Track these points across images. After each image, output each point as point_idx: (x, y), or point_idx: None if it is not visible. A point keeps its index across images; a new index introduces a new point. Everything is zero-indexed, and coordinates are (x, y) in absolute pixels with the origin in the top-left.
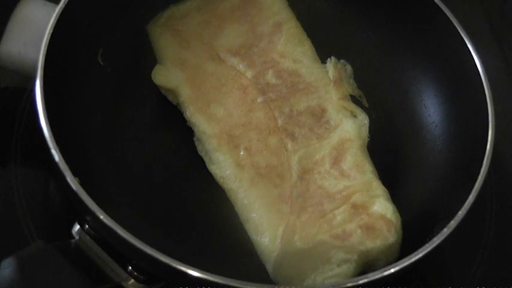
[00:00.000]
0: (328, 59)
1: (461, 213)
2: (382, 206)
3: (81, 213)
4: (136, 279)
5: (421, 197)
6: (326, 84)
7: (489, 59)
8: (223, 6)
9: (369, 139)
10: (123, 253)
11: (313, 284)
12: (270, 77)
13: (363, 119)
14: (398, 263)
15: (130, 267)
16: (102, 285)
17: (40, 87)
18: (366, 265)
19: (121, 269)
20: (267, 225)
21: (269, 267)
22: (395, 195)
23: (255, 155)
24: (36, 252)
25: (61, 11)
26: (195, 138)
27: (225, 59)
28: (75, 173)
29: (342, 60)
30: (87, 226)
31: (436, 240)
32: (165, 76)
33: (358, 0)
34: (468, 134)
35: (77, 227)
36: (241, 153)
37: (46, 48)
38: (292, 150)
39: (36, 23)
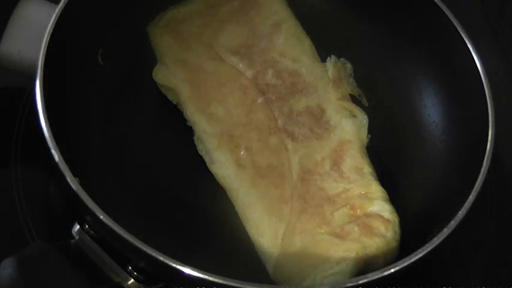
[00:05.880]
0: (328, 57)
1: (461, 213)
2: (380, 207)
3: (81, 213)
4: (136, 279)
5: (421, 197)
6: (325, 84)
7: (489, 59)
8: (223, 9)
9: (368, 139)
10: (123, 253)
11: (313, 284)
12: (270, 77)
13: (362, 118)
14: (398, 263)
15: (130, 267)
16: (102, 285)
17: (40, 87)
18: (365, 263)
19: (121, 269)
20: (267, 226)
21: (269, 268)
22: (395, 195)
23: (255, 155)
24: (36, 252)
25: (61, 11)
26: (195, 138)
27: (225, 59)
28: (75, 173)
29: (341, 59)
30: (87, 226)
31: (436, 240)
32: (166, 75)
33: None
34: (468, 134)
35: (77, 227)
36: (242, 153)
37: (46, 48)
38: (292, 150)
39: (36, 23)
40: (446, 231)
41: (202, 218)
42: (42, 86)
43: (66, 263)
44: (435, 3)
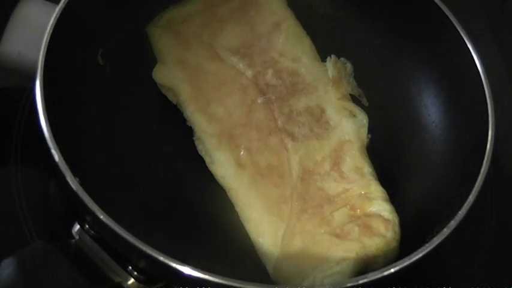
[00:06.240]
0: (328, 57)
1: (461, 213)
2: (380, 207)
3: (81, 213)
4: (136, 279)
5: (421, 197)
6: (325, 84)
7: (489, 59)
8: (223, 9)
9: (368, 139)
10: (123, 253)
11: (313, 284)
12: (270, 77)
13: (362, 118)
14: (398, 263)
15: (130, 267)
16: (102, 285)
17: (40, 87)
18: (365, 263)
19: (121, 269)
20: (267, 226)
21: (269, 268)
22: (395, 195)
23: (255, 155)
24: (36, 252)
25: (61, 11)
26: (195, 138)
27: (225, 58)
28: (75, 173)
29: (342, 59)
30: (87, 226)
31: (436, 240)
32: (166, 75)
33: None
34: (468, 134)
35: (77, 227)
36: (242, 153)
37: (46, 48)
38: (292, 150)
39: (36, 23)
40: (446, 231)
41: (202, 218)
42: (42, 86)
43: (66, 263)
44: (435, 3)
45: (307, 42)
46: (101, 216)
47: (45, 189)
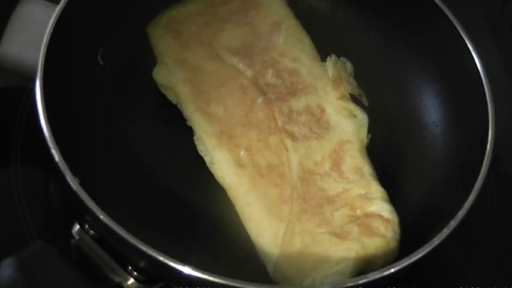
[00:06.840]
0: (328, 57)
1: (461, 213)
2: (380, 207)
3: (81, 213)
4: (136, 279)
5: (421, 197)
6: (325, 84)
7: (489, 59)
8: (223, 9)
9: (368, 139)
10: (123, 253)
11: (313, 284)
12: (270, 76)
13: (362, 118)
14: (398, 263)
15: (130, 267)
16: (102, 285)
17: (40, 87)
18: (365, 263)
19: (121, 269)
20: (267, 226)
21: (269, 268)
22: (395, 195)
23: (255, 155)
24: (36, 252)
25: (61, 11)
26: (195, 138)
27: (225, 58)
28: (75, 173)
29: (342, 58)
30: (87, 226)
31: (436, 240)
32: (166, 75)
33: None
34: (468, 134)
35: (77, 227)
36: (242, 152)
37: (46, 48)
38: (292, 150)
39: (36, 23)
40: (446, 231)
41: (202, 218)
42: (42, 86)
43: (66, 263)
44: (435, 3)
45: (307, 42)
46: (101, 216)
47: (45, 189)
